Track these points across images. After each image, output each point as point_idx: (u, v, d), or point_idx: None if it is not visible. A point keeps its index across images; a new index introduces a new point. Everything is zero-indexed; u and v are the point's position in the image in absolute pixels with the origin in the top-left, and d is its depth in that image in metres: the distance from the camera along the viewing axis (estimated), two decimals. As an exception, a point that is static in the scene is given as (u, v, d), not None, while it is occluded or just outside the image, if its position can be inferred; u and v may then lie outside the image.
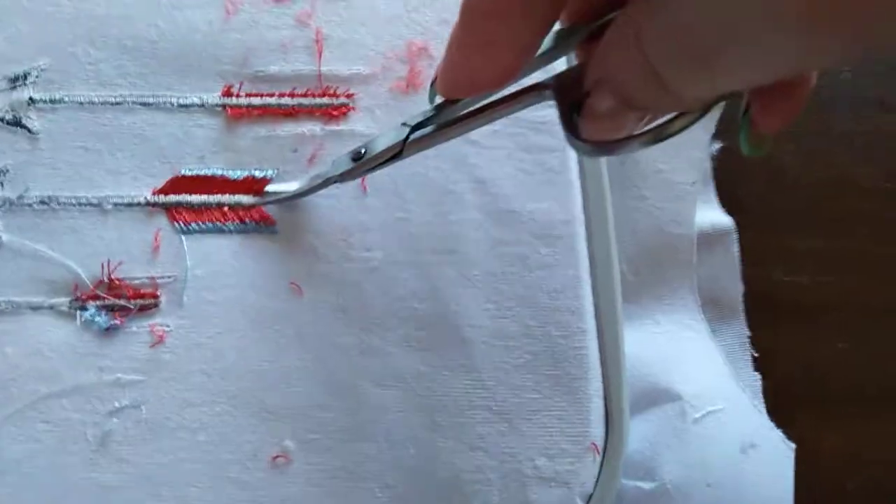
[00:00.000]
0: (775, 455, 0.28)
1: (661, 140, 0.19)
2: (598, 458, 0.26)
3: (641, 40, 0.15)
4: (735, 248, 0.31)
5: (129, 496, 0.23)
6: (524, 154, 0.28)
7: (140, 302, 0.25)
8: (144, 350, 0.24)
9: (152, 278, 0.25)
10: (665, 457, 0.28)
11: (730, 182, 0.33)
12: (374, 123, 0.27)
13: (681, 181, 0.31)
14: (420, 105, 0.29)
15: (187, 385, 0.24)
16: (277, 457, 0.24)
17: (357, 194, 0.27)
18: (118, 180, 0.26)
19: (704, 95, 0.16)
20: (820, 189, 0.35)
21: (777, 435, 0.29)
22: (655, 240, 0.31)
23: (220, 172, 0.26)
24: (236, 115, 0.27)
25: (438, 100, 0.22)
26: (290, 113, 0.27)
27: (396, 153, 0.24)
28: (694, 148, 0.32)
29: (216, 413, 0.24)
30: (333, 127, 0.27)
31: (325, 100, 0.27)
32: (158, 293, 0.25)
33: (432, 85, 0.21)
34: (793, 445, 0.29)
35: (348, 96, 0.27)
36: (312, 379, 0.25)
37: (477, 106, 0.22)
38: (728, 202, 0.32)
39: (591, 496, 0.26)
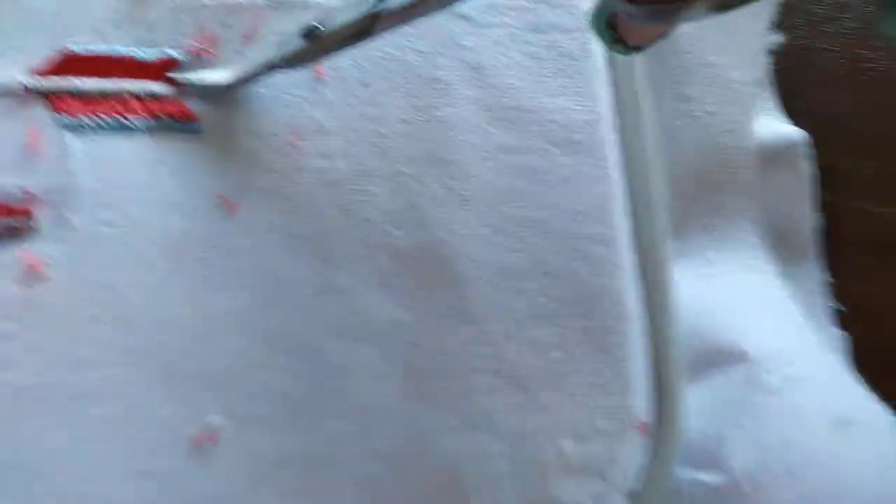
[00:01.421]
0: (877, 433, 0.26)
1: (732, 7, 0.19)
2: (645, 441, 0.24)
3: None
4: (806, 168, 0.29)
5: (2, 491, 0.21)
6: (532, 35, 0.26)
7: (8, 221, 0.22)
8: (14, 288, 0.22)
9: (26, 190, 0.22)
10: (734, 438, 0.26)
11: (794, 89, 0.31)
12: None
13: (735, 79, 0.29)
14: None
15: (75, 338, 0.23)
16: (201, 437, 0.21)
17: (311, 83, 0.25)
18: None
19: None
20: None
21: (877, 408, 0.26)
22: (705, 153, 0.30)
23: (123, 50, 0.25)
24: None
25: None
26: None
27: (363, 30, 0.23)
28: (749, 38, 0.30)
29: (116, 377, 0.22)
30: None
31: None
32: (34, 210, 0.22)
33: None
34: None
35: None
36: (249, 330, 0.23)
37: None
38: (792, 114, 0.30)
39: (636, 493, 0.24)
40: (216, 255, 0.25)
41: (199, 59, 0.27)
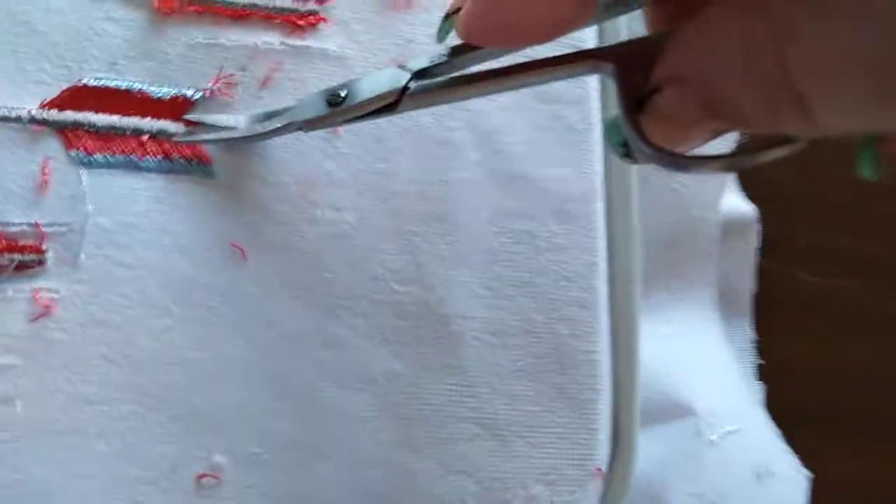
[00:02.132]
0: (790, 484, 0.29)
1: (745, 168, 0.19)
2: (600, 486, 0.26)
3: (786, 45, 0.14)
4: (754, 239, 0.31)
5: None
6: (539, 104, 0.26)
7: (17, 257, 0.22)
8: (22, 324, 0.22)
9: (36, 225, 0.22)
10: (676, 485, 0.28)
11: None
12: (351, 43, 0.25)
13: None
14: (415, 30, 0.26)
15: (82, 375, 0.22)
16: (204, 476, 0.22)
17: (326, 133, 0.24)
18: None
19: (856, 128, 0.15)
20: (855, 186, 0.35)
21: (792, 461, 0.29)
22: (676, 223, 0.31)
23: (137, 86, 0.23)
24: (167, 9, 0.24)
25: (452, 40, 0.21)
26: (241, 15, 0.24)
27: (388, 106, 0.23)
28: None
29: (122, 414, 0.22)
30: (297, 41, 0.25)
31: (289, 2, 0.25)
32: (44, 247, 0.22)
33: (447, 18, 0.21)
34: (808, 473, 0.29)
35: (319, 2, 0.24)
36: (255, 375, 0.23)
37: (506, 64, 0.21)
38: (748, 188, 0.32)
39: None
40: (225, 304, 0.25)
41: (215, 101, 0.26)
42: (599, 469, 0.28)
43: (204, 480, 0.24)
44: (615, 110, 0.20)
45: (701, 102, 0.17)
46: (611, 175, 0.30)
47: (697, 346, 0.32)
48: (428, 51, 0.27)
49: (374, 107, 0.23)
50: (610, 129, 0.21)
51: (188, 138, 0.25)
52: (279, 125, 0.24)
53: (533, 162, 0.28)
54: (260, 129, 0.24)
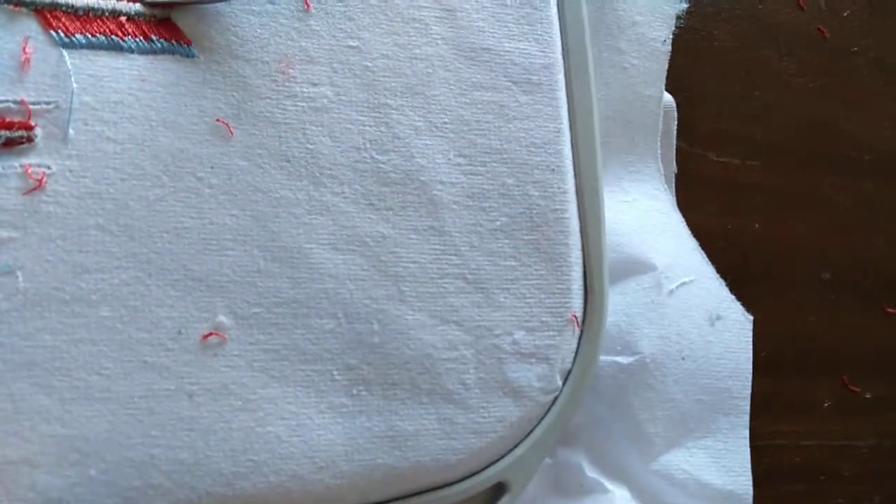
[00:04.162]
0: (737, 326, 0.28)
1: None
2: (578, 332, 0.24)
3: None
4: (674, 126, 0.30)
5: (7, 389, 0.18)
6: (499, -17, 0.24)
7: (5, 134, 0.19)
8: (16, 198, 0.19)
9: (22, 102, 0.19)
10: (643, 330, 0.27)
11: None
12: None
13: (653, 37, 0.29)
14: None
15: (80, 245, 0.20)
16: (209, 335, 0.20)
17: (297, 13, 0.22)
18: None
19: None
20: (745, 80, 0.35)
21: (738, 307, 0.28)
22: (627, 100, 0.29)
23: None
24: None
25: None
26: None
27: None
28: (666, 2, 0.30)
29: (123, 281, 0.20)
30: None
31: None
32: (32, 123, 0.19)
33: None
34: (751, 317, 0.29)
35: None
36: (249, 240, 0.21)
37: None
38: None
39: (569, 372, 0.24)
40: (215, 176, 0.23)
41: (189, -18, 0.24)
42: (575, 316, 0.27)
43: (209, 339, 0.23)
44: None
45: None
46: (568, 49, 0.28)
47: (652, 211, 0.31)
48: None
49: None
50: None
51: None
52: None
53: (496, 36, 0.27)
54: None
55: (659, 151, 0.33)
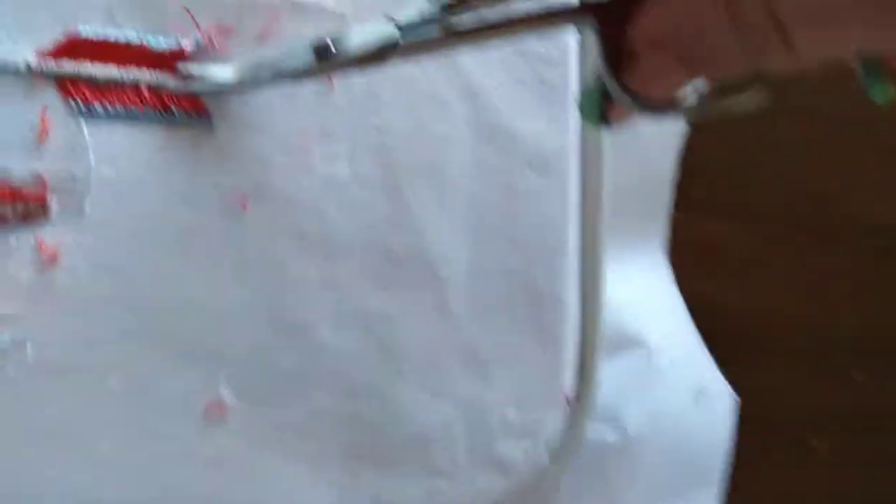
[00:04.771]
0: (721, 402, 0.29)
1: (717, 114, 0.18)
2: (568, 410, 0.24)
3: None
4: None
5: (17, 457, 0.18)
6: (521, 61, 0.24)
7: (22, 207, 0.18)
8: (26, 272, 0.19)
9: (38, 175, 0.18)
10: (630, 405, 0.27)
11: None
12: (349, 1, 0.21)
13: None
14: None
15: (90, 318, 0.20)
16: (212, 407, 0.20)
17: (321, 88, 0.21)
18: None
19: (838, 53, 0.15)
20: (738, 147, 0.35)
21: (723, 383, 0.29)
22: (638, 170, 0.29)
23: (134, 37, 0.20)
24: None
25: None
26: None
27: (376, 58, 0.20)
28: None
29: (130, 353, 0.20)
30: None
31: None
32: (48, 196, 0.18)
33: None
34: (736, 396, 0.29)
35: None
36: (257, 315, 0.21)
37: (493, 20, 0.19)
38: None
39: (557, 448, 0.24)
40: (227, 250, 0.23)
41: (211, 53, 0.23)
42: (566, 394, 0.27)
43: (211, 412, 0.22)
44: (590, 81, 0.18)
45: (678, 58, 0.16)
46: (584, 129, 0.27)
47: (648, 286, 0.31)
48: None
49: (362, 58, 0.20)
50: (585, 98, 0.20)
51: (179, 88, 0.22)
52: (268, 76, 0.21)
53: (513, 116, 0.26)
54: (248, 80, 0.21)
55: (663, 223, 0.33)
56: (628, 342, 0.30)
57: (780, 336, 0.37)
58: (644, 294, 0.31)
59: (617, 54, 0.18)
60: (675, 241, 0.34)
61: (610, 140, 0.29)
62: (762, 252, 0.37)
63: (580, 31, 0.19)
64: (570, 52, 0.27)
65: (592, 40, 0.19)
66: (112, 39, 0.22)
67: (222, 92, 0.22)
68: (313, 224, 0.24)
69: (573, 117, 0.27)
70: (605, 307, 0.29)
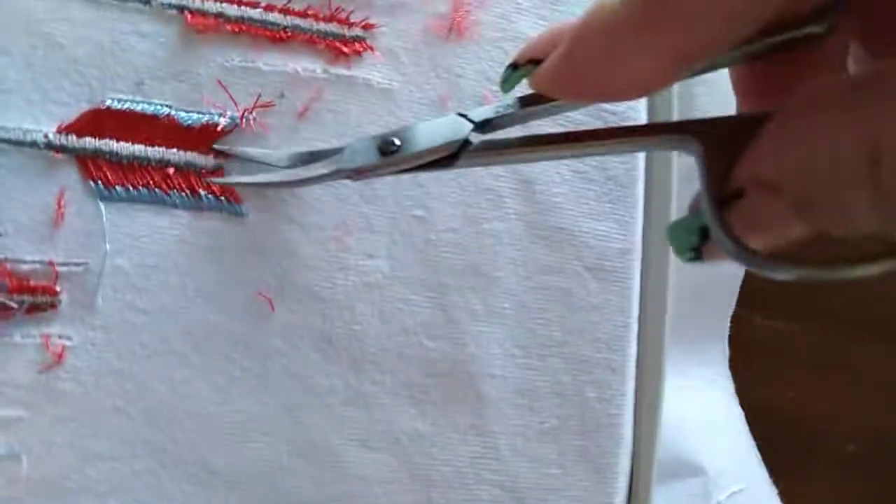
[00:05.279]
0: None
1: (830, 279, 0.18)
2: None
3: (882, 158, 0.15)
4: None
5: None
6: (585, 152, 0.27)
7: (28, 299, 0.22)
8: (30, 373, 0.22)
9: (50, 264, 0.22)
10: (684, 546, 0.30)
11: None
12: (397, 75, 0.26)
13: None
14: (465, 64, 0.27)
15: (93, 428, 0.23)
16: None
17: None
18: (5, 103, 0.24)
19: None
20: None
21: None
22: (704, 279, 0.32)
23: (164, 111, 0.24)
24: (199, 26, 0.24)
25: (518, 90, 0.22)
26: (282, 38, 0.25)
27: (446, 158, 0.23)
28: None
29: (135, 472, 0.23)
30: (340, 70, 0.25)
31: (334, 27, 0.25)
32: (58, 288, 0.22)
33: (515, 67, 0.21)
34: None
35: (366, 27, 0.25)
36: (276, 432, 0.24)
37: (581, 131, 0.22)
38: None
39: None
40: (249, 357, 0.26)
41: (248, 131, 0.26)
42: (614, 534, 0.30)
43: (218, 544, 0.25)
44: (689, 212, 0.20)
45: (797, 207, 0.17)
46: (650, 232, 0.31)
47: (710, 402, 0.34)
48: (476, 88, 0.28)
49: (428, 159, 0.23)
50: (678, 230, 0.20)
51: (222, 180, 0.25)
52: (325, 171, 0.24)
53: (574, 214, 0.30)
54: (304, 174, 0.25)
55: (727, 332, 0.36)
56: (685, 468, 0.33)
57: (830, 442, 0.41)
58: (704, 413, 0.34)
59: (722, 188, 0.18)
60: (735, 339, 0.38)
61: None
62: (815, 351, 0.41)
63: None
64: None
65: (696, 166, 0.20)
66: (140, 112, 0.25)
67: (270, 186, 0.26)
68: (344, 328, 0.27)
69: (639, 216, 0.31)
70: (662, 429, 0.32)
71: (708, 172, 0.19)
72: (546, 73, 0.20)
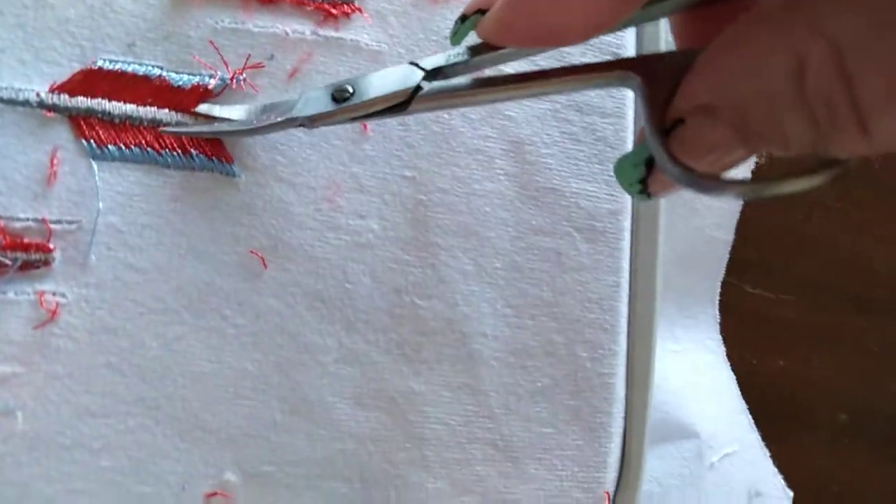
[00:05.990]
0: (775, 502, 0.32)
1: (769, 196, 0.19)
2: None
3: (850, 65, 0.15)
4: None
5: None
6: (574, 114, 0.28)
7: (22, 256, 0.22)
8: (25, 330, 0.22)
9: (43, 221, 0.22)
10: (677, 503, 0.30)
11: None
12: (386, 37, 0.26)
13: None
14: (451, 22, 0.27)
15: (88, 385, 0.23)
16: (214, 494, 0.23)
17: (353, 135, 0.25)
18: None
19: None
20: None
21: (780, 482, 0.33)
22: (693, 241, 0.33)
23: (156, 72, 0.24)
24: None
25: (470, 40, 0.22)
26: (270, 0, 0.24)
27: (396, 106, 0.23)
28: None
29: (128, 428, 0.23)
30: (329, 32, 0.25)
31: None
32: (51, 245, 0.22)
33: (464, 19, 0.21)
34: (791, 493, 0.33)
35: None
36: (269, 390, 0.24)
37: (527, 69, 0.22)
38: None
39: None
40: (241, 314, 0.26)
41: (238, 92, 0.26)
42: (608, 493, 0.30)
43: (213, 499, 0.25)
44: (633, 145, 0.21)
45: (734, 128, 0.18)
46: (640, 193, 0.31)
47: (702, 365, 0.34)
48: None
49: (381, 106, 0.23)
50: (624, 164, 0.21)
51: (175, 130, 0.25)
52: (279, 119, 0.24)
53: (564, 175, 0.30)
54: (256, 122, 0.25)
55: (717, 296, 0.37)
56: (678, 430, 0.33)
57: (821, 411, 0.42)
58: (697, 376, 0.35)
59: (664, 117, 0.19)
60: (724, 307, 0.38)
61: (666, 203, 0.33)
62: (804, 320, 0.41)
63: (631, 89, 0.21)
64: (627, 104, 0.31)
65: (639, 99, 0.21)
66: (131, 73, 0.25)
67: (225, 134, 0.26)
68: (336, 287, 0.27)
69: (629, 178, 0.31)
70: (654, 391, 0.33)
71: (650, 104, 0.20)
72: (489, 22, 0.20)
